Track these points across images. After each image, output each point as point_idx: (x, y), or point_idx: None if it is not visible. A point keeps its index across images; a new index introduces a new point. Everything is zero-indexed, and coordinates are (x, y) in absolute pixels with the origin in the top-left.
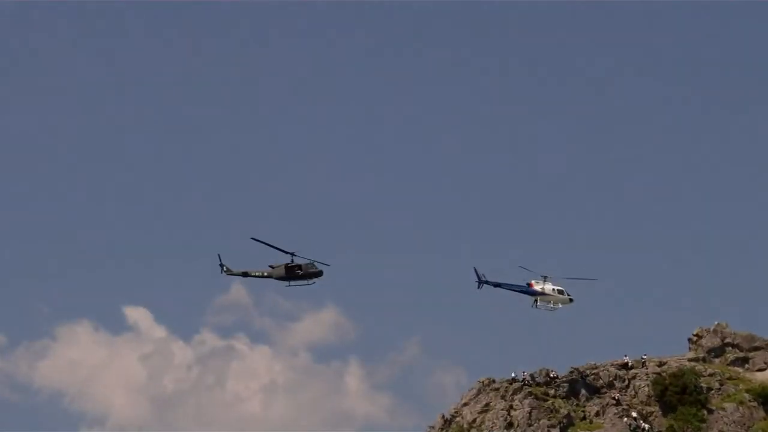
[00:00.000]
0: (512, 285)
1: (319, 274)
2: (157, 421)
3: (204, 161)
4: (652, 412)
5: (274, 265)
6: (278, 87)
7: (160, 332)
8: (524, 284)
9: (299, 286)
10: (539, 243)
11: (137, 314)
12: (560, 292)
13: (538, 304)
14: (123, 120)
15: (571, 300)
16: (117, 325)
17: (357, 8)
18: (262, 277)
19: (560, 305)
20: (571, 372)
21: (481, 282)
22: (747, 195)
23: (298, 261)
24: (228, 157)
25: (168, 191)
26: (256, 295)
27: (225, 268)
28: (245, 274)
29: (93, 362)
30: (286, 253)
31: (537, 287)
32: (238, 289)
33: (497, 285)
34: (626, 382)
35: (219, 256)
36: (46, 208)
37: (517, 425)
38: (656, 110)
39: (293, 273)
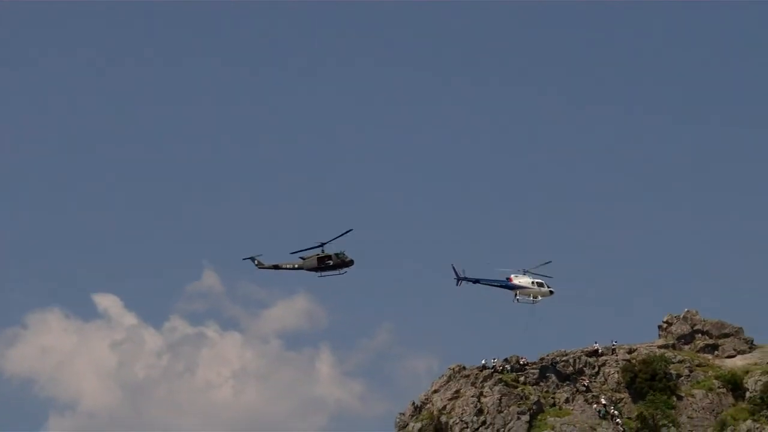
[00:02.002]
0: (491, 280)
1: (350, 263)
2: (128, 407)
3: (170, 149)
4: (622, 399)
5: (305, 257)
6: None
7: (130, 319)
8: (503, 279)
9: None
10: (513, 236)
11: (107, 301)
12: (540, 284)
13: (519, 297)
14: (96, 111)
15: (551, 292)
16: (87, 313)
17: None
18: (293, 269)
19: (540, 298)
20: (542, 359)
21: (460, 279)
22: (717, 184)
23: (327, 251)
24: (197, 145)
25: (137, 178)
26: (228, 282)
27: (256, 262)
28: (276, 267)
29: (64, 349)
30: (314, 247)
31: (516, 281)
32: (209, 276)
33: (476, 281)
34: (596, 369)
35: (260, 255)
36: (15, 196)
37: (487, 412)
38: (633, 102)
39: (324, 264)
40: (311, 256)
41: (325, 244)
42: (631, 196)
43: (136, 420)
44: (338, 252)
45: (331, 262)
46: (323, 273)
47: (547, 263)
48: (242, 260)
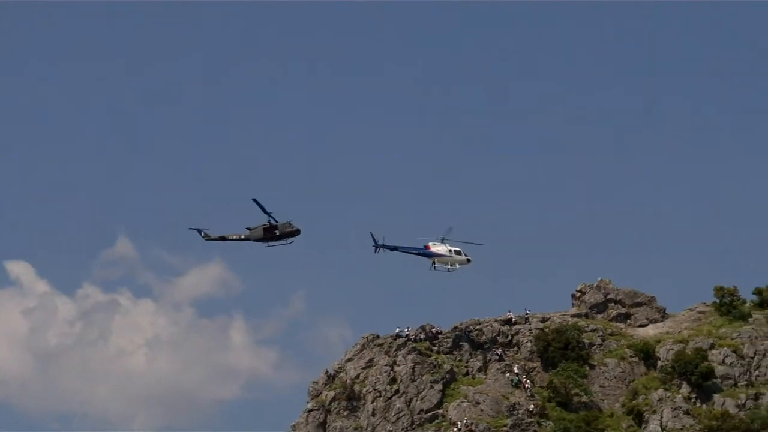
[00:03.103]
0: (409, 248)
1: (296, 233)
2: (40, 375)
3: (88, 114)
4: (535, 368)
5: (252, 228)
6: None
7: (42, 287)
8: (421, 246)
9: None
10: (429, 202)
11: (19, 268)
12: (457, 252)
13: (436, 265)
14: (13, 74)
15: (468, 260)
16: None
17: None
18: (240, 240)
19: (458, 266)
20: (455, 328)
21: (378, 246)
22: (627, 155)
23: (275, 221)
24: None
25: (51, 144)
26: (141, 250)
27: (203, 234)
28: (223, 239)
29: None
30: (269, 215)
31: (434, 249)
32: (123, 243)
33: (394, 248)
34: (509, 337)
35: (199, 230)
36: None
37: (401, 381)
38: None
39: (271, 234)
40: (257, 227)
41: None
42: (546, 167)
43: (49, 388)
44: (284, 222)
45: (277, 232)
46: (270, 243)
47: (478, 244)
48: (188, 230)
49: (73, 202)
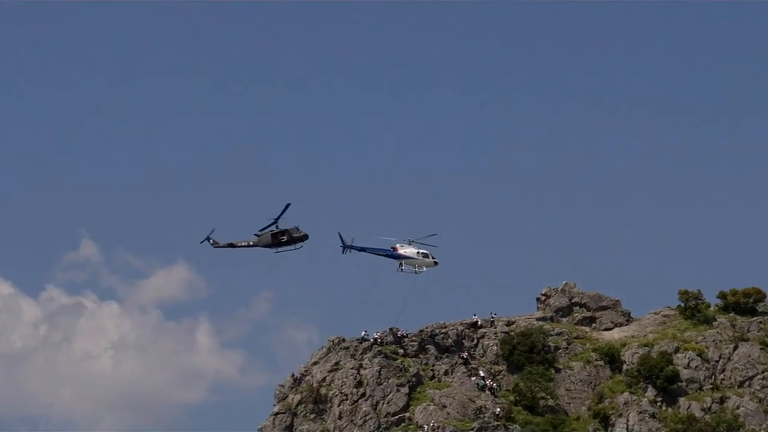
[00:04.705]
0: (376, 249)
1: (304, 237)
2: (4, 378)
3: (53, 116)
4: (500, 371)
5: (260, 234)
6: None
7: (6, 289)
8: (389, 248)
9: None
10: (394, 210)
11: None
12: (425, 255)
13: (403, 267)
14: None
15: (435, 263)
16: None
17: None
18: (248, 246)
19: (425, 268)
20: (421, 331)
21: (346, 246)
22: (593, 158)
23: (282, 227)
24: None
25: (15, 146)
26: (106, 252)
27: (212, 241)
28: (231, 246)
29: None
30: (275, 221)
31: (401, 251)
32: (87, 245)
33: (362, 249)
34: (475, 341)
35: (212, 231)
36: None
37: (367, 384)
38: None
39: (279, 239)
40: (265, 233)
41: (275, 223)
42: (512, 171)
43: (13, 391)
44: (292, 227)
45: (285, 238)
46: (279, 249)
47: (432, 235)
48: (199, 243)
49: (37, 204)
